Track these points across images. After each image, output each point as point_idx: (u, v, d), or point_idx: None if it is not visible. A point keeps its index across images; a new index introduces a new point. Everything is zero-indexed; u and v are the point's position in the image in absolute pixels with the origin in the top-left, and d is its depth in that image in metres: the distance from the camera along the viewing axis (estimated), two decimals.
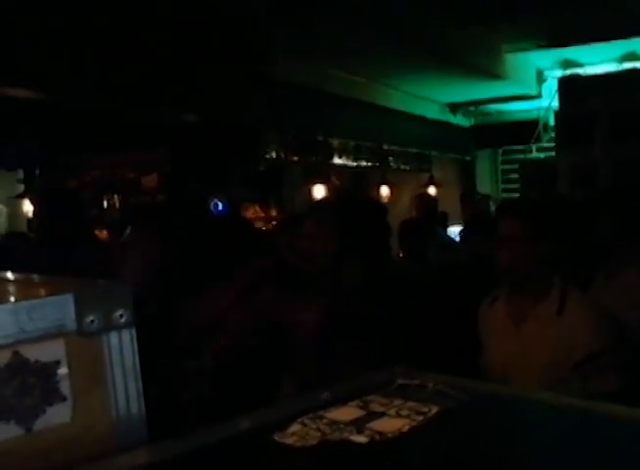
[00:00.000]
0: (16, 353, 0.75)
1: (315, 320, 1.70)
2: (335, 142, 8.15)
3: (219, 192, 6.85)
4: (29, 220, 6.98)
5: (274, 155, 7.42)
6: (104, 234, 6.51)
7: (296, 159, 7.68)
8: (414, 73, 7.54)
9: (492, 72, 7.52)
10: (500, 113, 10.20)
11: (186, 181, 7.02)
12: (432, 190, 8.82)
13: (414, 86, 8.31)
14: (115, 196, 7.53)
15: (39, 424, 0.77)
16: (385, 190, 8.58)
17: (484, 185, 10.42)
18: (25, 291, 0.91)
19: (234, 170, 7.22)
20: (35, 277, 0.97)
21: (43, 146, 7.01)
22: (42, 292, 0.85)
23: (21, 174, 7.77)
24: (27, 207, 7.19)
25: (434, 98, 9.22)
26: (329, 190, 7.62)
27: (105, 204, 7.53)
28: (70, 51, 4.85)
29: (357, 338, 1.80)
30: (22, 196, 7.40)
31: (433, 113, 9.52)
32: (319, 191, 7.57)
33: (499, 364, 2.12)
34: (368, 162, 8.76)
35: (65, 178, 7.46)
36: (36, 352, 0.77)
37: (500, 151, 10.88)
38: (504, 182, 10.86)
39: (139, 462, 0.82)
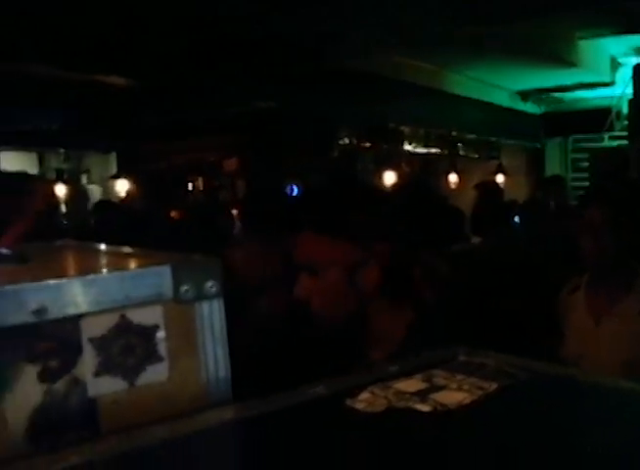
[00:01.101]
0: (122, 317, 0.83)
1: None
2: (405, 129, 8.14)
3: (294, 176, 6.96)
4: (121, 200, 7.28)
5: (346, 141, 7.47)
6: (182, 214, 6.71)
7: (367, 145, 7.71)
8: (485, 61, 7.43)
9: (565, 59, 7.33)
10: (572, 100, 9.92)
11: (263, 165, 7.15)
12: (500, 178, 8.70)
13: (484, 74, 8.19)
14: (200, 178, 7.75)
15: (140, 380, 0.85)
16: (453, 177, 8.52)
17: (554, 173, 10.20)
18: (128, 262, 0.99)
19: (309, 156, 7.30)
20: (136, 250, 1.06)
21: (135, 131, 7.27)
22: (143, 263, 0.93)
23: (114, 157, 8.12)
24: (120, 187, 7.50)
25: (505, 85, 9.06)
26: (399, 176, 7.62)
27: (190, 185, 7.76)
28: (162, 43, 5.00)
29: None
30: (115, 177, 7.75)
31: (503, 100, 9.37)
32: (389, 177, 7.59)
33: (574, 354, 2.07)
34: (437, 149, 8.71)
35: (154, 161, 7.73)
36: (139, 317, 0.85)
37: (571, 139, 10.61)
38: (574, 171, 10.60)
39: (225, 418, 0.89)
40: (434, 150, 8.62)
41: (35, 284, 0.75)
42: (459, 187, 8.27)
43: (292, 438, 0.81)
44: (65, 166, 7.92)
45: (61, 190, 6.88)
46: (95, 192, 8.35)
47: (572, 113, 9.86)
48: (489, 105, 8.91)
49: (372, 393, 0.95)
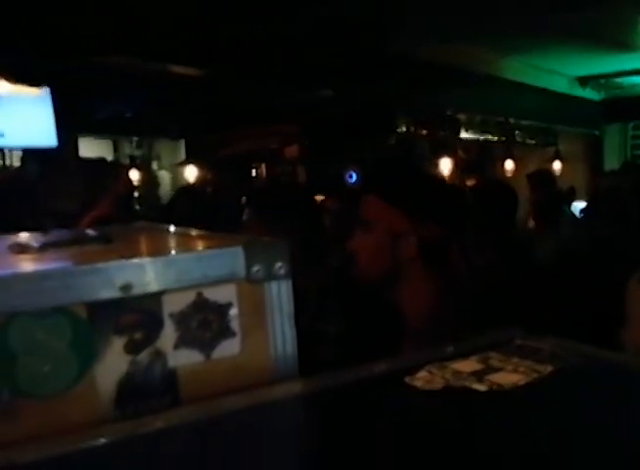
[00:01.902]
0: (199, 294, 0.86)
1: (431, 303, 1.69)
2: (462, 116, 8.03)
3: (353, 163, 6.97)
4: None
5: (404, 129, 7.42)
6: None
7: (424, 132, 7.65)
8: (546, 47, 7.25)
9: (627, 44, 7.09)
10: (632, 86, 9.58)
11: (324, 153, 7.19)
12: (557, 164, 8.50)
13: (544, 60, 7.99)
14: (263, 165, 7.83)
15: (215, 353, 0.89)
16: (510, 164, 8.37)
17: (612, 160, 9.90)
18: (203, 243, 1.03)
19: (367, 143, 7.30)
20: (208, 232, 1.09)
21: (202, 119, 7.39)
22: (217, 244, 0.97)
23: (182, 144, 8.27)
24: (188, 172, 7.65)
25: (565, 71, 8.81)
26: (456, 164, 7.54)
27: (253, 172, 7.85)
28: (229, 34, 5.06)
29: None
30: (184, 163, 7.90)
31: (562, 86, 9.12)
32: (446, 164, 7.51)
33: (637, 342, 2.05)
34: (494, 136, 8.56)
35: (220, 148, 7.84)
36: (214, 295, 0.88)
37: (631, 125, 10.26)
38: (633, 158, 10.26)
39: (292, 392, 0.92)
40: (490, 137, 8.47)
41: (122, 262, 0.79)
42: (515, 174, 8.12)
43: (353, 411, 0.83)
44: (137, 153, 8.12)
45: (134, 175, 7.05)
46: (165, 178, 8.54)
47: (632, 98, 9.53)
48: (548, 91, 8.70)
49: (430, 372, 0.96)
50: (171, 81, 5.92)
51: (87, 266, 0.77)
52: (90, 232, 1.05)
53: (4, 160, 5.83)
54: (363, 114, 7.10)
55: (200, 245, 0.98)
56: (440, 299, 1.64)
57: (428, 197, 1.67)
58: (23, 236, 1.08)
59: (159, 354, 0.82)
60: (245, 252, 0.91)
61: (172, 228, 1.25)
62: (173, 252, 0.87)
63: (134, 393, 0.79)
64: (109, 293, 0.77)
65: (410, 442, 0.75)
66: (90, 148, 7.38)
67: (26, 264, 0.83)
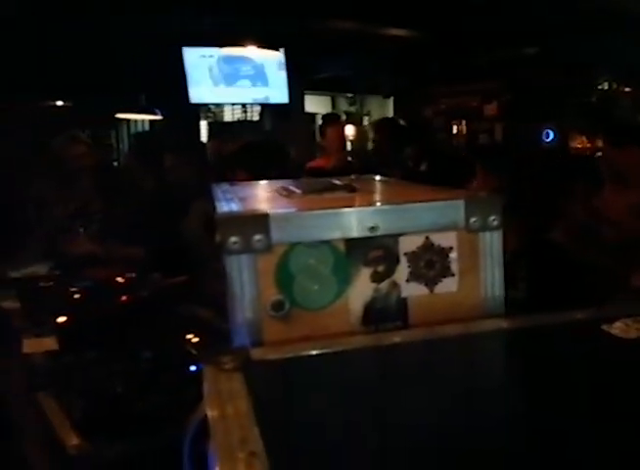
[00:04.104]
0: (427, 239, 0.94)
1: None
2: None
3: (551, 121, 6.57)
4: None
5: (606, 86, 6.82)
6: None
7: (627, 90, 6.96)
8: None
9: None
10: None
11: (522, 110, 6.84)
12: None
13: None
14: (463, 122, 7.64)
15: (437, 289, 0.96)
16: None
17: None
18: (431, 195, 1.08)
19: (566, 101, 6.82)
20: (434, 186, 1.15)
21: (412, 77, 7.34)
22: (443, 196, 1.02)
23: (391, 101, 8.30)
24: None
25: None
26: None
27: (454, 129, 7.70)
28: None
29: None
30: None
31: None
32: None
33: None
34: None
35: (422, 106, 7.77)
36: (438, 239, 0.95)
37: None
38: None
39: (500, 327, 0.97)
40: None
41: (372, 208, 0.89)
42: None
43: (551, 349, 0.86)
44: (351, 109, 8.31)
45: (349, 131, 7.24)
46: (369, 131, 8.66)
47: None
48: None
49: (625, 323, 0.96)
50: (385, 42, 5.94)
51: (347, 210, 0.87)
52: (336, 182, 1.16)
53: (246, 114, 6.31)
54: (564, 71, 6.62)
55: (428, 196, 1.04)
56: None
57: None
58: (284, 183, 1.22)
59: (395, 285, 0.91)
60: (465, 205, 0.96)
61: (397, 181, 1.32)
62: (410, 201, 0.94)
63: (375, 314, 0.89)
64: (361, 232, 0.86)
65: (601, 380, 0.77)
66: (312, 104, 7.69)
67: (298, 205, 0.95)
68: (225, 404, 0.58)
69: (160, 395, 1.42)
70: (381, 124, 4.63)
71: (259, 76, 6.01)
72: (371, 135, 4.73)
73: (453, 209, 0.96)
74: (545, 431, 0.61)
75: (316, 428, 0.60)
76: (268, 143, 3.57)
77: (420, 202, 0.97)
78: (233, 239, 0.76)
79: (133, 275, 1.94)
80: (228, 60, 6.05)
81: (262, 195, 1.17)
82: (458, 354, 0.87)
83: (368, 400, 0.69)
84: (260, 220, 0.78)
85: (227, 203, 0.92)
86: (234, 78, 6.03)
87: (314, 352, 0.75)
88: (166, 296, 1.80)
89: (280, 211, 0.82)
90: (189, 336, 1.69)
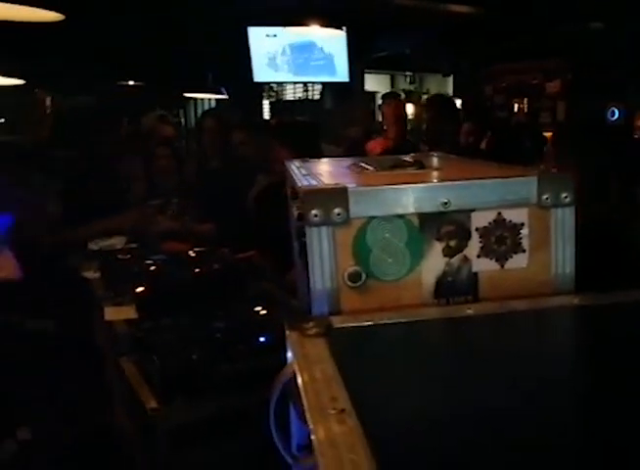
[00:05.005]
0: (499, 214, 0.93)
1: None
2: None
3: (616, 99, 6.30)
4: None
5: None
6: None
7: None
8: None
9: None
10: None
11: (586, 87, 6.59)
12: None
13: None
14: (525, 99, 7.43)
15: (507, 264, 0.95)
16: None
17: None
18: (502, 171, 1.07)
19: (631, 79, 6.52)
20: (503, 163, 1.14)
21: (472, 55, 7.18)
22: (515, 173, 1.01)
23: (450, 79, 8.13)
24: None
25: None
26: None
27: (515, 107, 7.50)
28: None
29: None
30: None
31: None
32: None
33: None
34: None
35: (482, 84, 7.60)
36: (510, 215, 0.94)
37: None
38: None
39: (570, 303, 0.96)
40: None
41: (444, 184, 0.89)
42: None
43: (622, 330, 0.84)
44: (410, 88, 8.19)
45: (409, 109, 7.16)
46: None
47: None
48: None
49: None
50: (445, 20, 5.81)
51: (421, 185, 0.88)
52: (406, 158, 1.16)
53: (307, 93, 6.32)
54: (630, 47, 6.32)
55: (499, 173, 1.03)
56: None
57: None
58: (354, 160, 1.23)
59: (466, 260, 0.91)
60: (538, 181, 0.95)
61: (461, 158, 1.31)
62: (482, 177, 0.94)
63: (447, 287, 0.90)
64: (434, 207, 0.87)
65: None
66: (371, 82, 7.62)
67: (373, 181, 0.96)
68: (312, 367, 0.60)
69: (231, 362, 1.47)
70: (433, 101, 4.57)
71: (327, 66, 5.95)
72: (425, 113, 4.67)
73: (526, 185, 0.95)
74: (612, 408, 0.61)
75: (396, 391, 0.62)
76: (301, 122, 3.65)
77: (492, 178, 0.97)
78: (314, 212, 0.77)
79: (204, 250, 2.00)
80: (295, 46, 6.02)
81: (336, 171, 1.19)
82: (528, 329, 0.87)
83: (439, 368, 0.70)
84: (340, 194, 0.79)
85: (305, 178, 0.94)
86: (304, 68, 5.98)
87: (390, 322, 0.77)
88: (236, 270, 1.84)
89: (358, 186, 0.83)
90: (257, 308, 1.73)
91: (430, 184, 0.89)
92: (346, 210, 0.79)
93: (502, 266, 0.95)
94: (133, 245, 2.39)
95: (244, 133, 3.35)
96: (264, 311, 1.72)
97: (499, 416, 0.60)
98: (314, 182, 0.89)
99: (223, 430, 1.41)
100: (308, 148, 2.20)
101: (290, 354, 0.68)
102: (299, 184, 0.87)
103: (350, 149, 4.01)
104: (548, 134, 3.89)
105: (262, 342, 1.57)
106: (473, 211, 0.91)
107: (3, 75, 4.80)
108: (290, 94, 7.30)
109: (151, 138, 3.85)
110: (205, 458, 1.39)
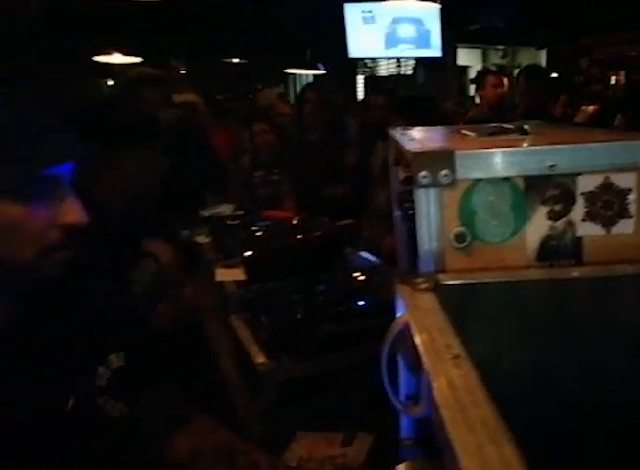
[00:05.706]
0: (606, 178, 0.90)
1: None
2: None
3: None
4: None
5: None
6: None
7: None
8: None
9: None
10: None
11: None
12: None
13: None
14: (622, 72, 6.99)
15: (613, 230, 0.92)
16: None
17: None
18: (608, 136, 1.03)
19: None
20: (606, 128, 1.09)
21: (564, 28, 6.84)
22: (622, 137, 0.96)
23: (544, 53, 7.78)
24: None
25: None
26: None
27: (612, 80, 7.07)
28: None
29: None
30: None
31: None
32: None
33: None
34: None
35: (577, 57, 7.22)
36: (617, 180, 0.91)
37: None
38: None
39: None
40: None
41: (551, 147, 0.87)
42: None
43: None
44: (502, 62, 7.87)
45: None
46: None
47: None
48: None
49: None
50: None
51: (527, 148, 0.86)
52: (505, 126, 1.14)
53: (400, 68, 6.23)
54: None
55: (605, 137, 0.99)
56: None
57: None
58: (455, 128, 1.22)
59: (570, 224, 0.89)
60: None
61: (562, 125, 1.26)
62: (588, 141, 0.91)
63: (550, 251, 0.89)
64: (540, 170, 0.85)
65: None
66: (463, 57, 7.40)
67: (478, 145, 0.95)
68: (424, 317, 0.62)
69: (332, 323, 1.51)
70: (527, 71, 4.38)
71: (422, 41, 5.83)
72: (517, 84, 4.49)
73: (634, 149, 0.91)
74: None
75: (503, 343, 0.63)
76: (423, 95, 3.73)
77: (599, 141, 0.93)
78: (422, 174, 0.78)
79: (305, 218, 2.05)
80: (390, 22, 5.94)
81: (439, 137, 1.19)
82: (633, 294, 0.85)
83: (543, 326, 0.70)
84: (447, 156, 0.80)
85: (410, 143, 0.95)
86: (398, 43, 5.91)
87: (495, 281, 0.77)
88: (336, 237, 1.88)
89: (464, 148, 0.83)
90: (356, 274, 1.76)
91: (536, 147, 0.88)
92: (453, 172, 0.80)
93: (607, 232, 0.92)
94: (240, 212, 2.50)
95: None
96: (362, 277, 1.75)
97: (603, 376, 0.60)
98: (419, 146, 0.89)
99: (325, 386, 1.46)
100: (428, 120, 2.22)
101: (401, 307, 0.70)
102: (407, 147, 0.87)
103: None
104: None
105: (361, 305, 1.60)
106: (579, 175, 0.88)
107: (125, 54, 5.04)
108: (383, 69, 7.22)
109: (269, 114, 3.98)
110: (307, 412, 1.45)
